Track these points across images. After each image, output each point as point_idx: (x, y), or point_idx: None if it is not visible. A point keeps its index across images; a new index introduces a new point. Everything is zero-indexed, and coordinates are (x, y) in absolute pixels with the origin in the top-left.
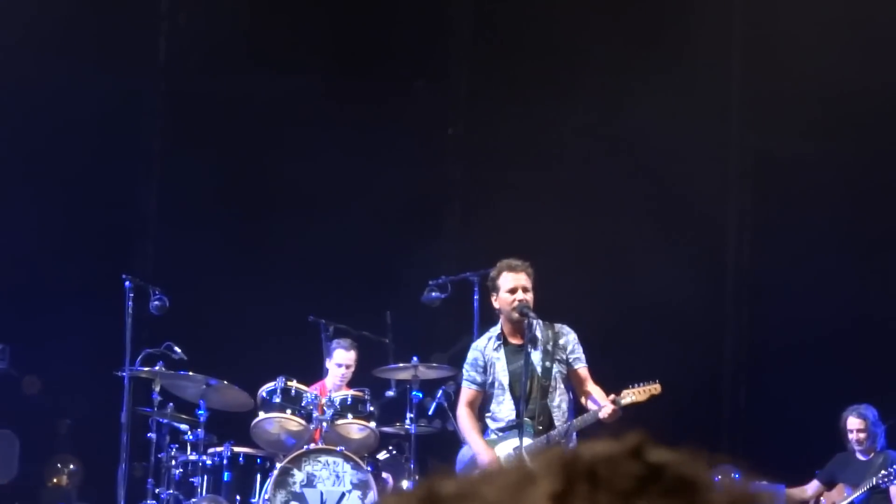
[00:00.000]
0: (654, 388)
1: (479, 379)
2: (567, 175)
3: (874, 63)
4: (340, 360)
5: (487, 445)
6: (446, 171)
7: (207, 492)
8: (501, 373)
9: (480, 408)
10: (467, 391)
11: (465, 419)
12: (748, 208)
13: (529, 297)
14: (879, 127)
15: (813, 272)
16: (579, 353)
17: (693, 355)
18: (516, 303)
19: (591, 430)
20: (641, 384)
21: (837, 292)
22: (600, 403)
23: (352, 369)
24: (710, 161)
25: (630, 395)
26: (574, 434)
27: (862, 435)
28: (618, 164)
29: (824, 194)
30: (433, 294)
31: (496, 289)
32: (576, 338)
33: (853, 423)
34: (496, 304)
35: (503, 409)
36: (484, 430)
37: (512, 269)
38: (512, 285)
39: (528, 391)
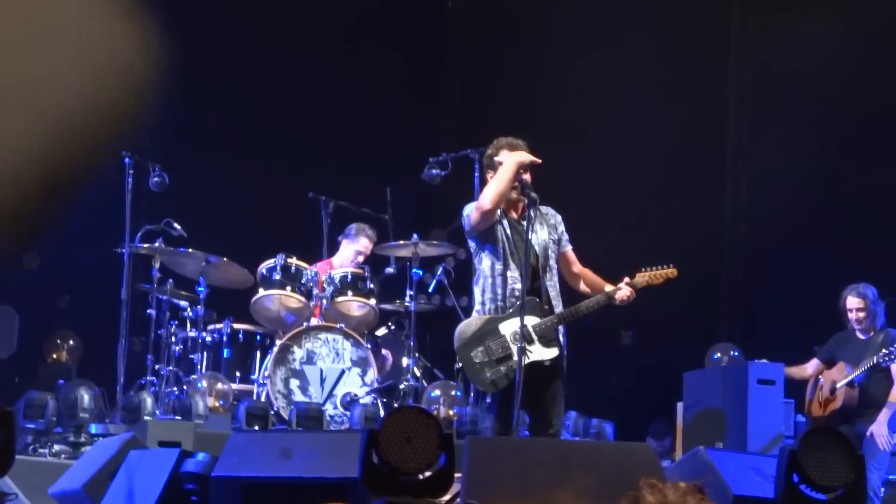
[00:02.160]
0: (671, 271)
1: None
2: (569, 51)
3: None
4: (362, 247)
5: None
6: (446, 45)
7: (207, 368)
8: (499, 242)
9: (482, 290)
10: None
11: None
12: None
13: (528, 176)
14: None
15: (814, 152)
16: (566, 235)
17: (692, 233)
18: (517, 182)
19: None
20: (657, 267)
21: (839, 175)
22: (605, 287)
23: (364, 255)
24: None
25: (646, 279)
26: (589, 313)
27: (861, 314)
28: (617, 36)
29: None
30: (433, 171)
31: (494, 166)
32: (562, 219)
33: (852, 301)
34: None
35: (503, 281)
36: (486, 310)
37: (512, 147)
38: (522, 150)
39: (532, 269)
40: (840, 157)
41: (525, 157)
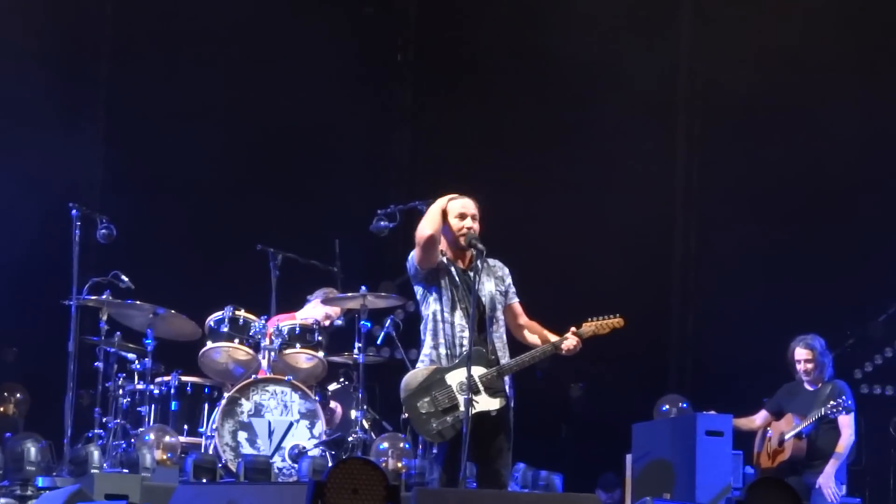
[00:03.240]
0: (617, 321)
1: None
2: (517, 102)
3: None
4: (336, 314)
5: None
6: (395, 97)
7: (155, 421)
8: (445, 288)
9: (430, 334)
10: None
11: None
12: (696, 134)
13: (477, 226)
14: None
15: (760, 204)
16: (513, 288)
17: (641, 284)
18: (465, 230)
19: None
20: (603, 317)
21: (785, 225)
22: (550, 337)
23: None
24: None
25: (592, 328)
26: (531, 364)
27: (810, 365)
28: (565, 92)
29: (771, 125)
30: (381, 223)
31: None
32: (509, 272)
33: (801, 353)
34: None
35: (451, 328)
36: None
37: (457, 196)
38: (461, 211)
39: (479, 320)
40: (788, 209)
41: (454, 197)
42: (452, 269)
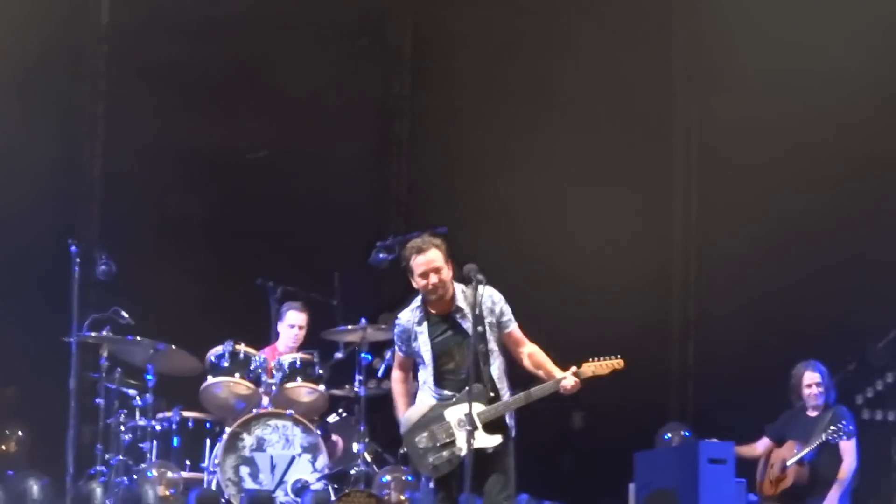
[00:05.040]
0: (617, 363)
1: (404, 348)
2: (514, 130)
3: None
4: (293, 321)
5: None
6: (392, 128)
7: (157, 457)
8: (424, 346)
9: (424, 379)
10: (398, 356)
11: (394, 384)
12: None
13: (443, 274)
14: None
15: (758, 233)
16: (508, 314)
17: (641, 316)
18: (429, 287)
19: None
20: (604, 358)
21: (784, 258)
22: (555, 373)
23: (304, 331)
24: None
25: (592, 369)
26: (530, 402)
27: (819, 388)
28: (563, 120)
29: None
30: (380, 255)
31: (410, 271)
32: (502, 298)
33: (810, 376)
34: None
35: (427, 391)
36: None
37: (420, 251)
38: (422, 269)
39: (472, 361)
40: (787, 238)
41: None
42: (425, 327)
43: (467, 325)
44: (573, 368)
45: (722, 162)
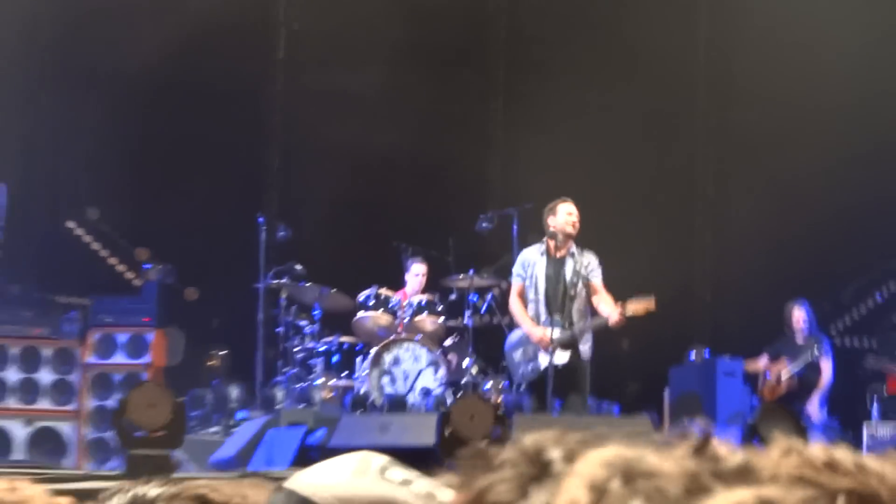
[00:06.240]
0: (650, 304)
1: (523, 275)
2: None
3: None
4: (417, 271)
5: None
6: (490, 135)
7: (322, 370)
8: (540, 275)
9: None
10: (516, 284)
11: (516, 306)
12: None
13: (574, 227)
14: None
15: (769, 192)
16: (598, 272)
17: (673, 267)
18: (571, 222)
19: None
20: (641, 298)
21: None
22: (607, 312)
23: (425, 278)
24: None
25: (632, 308)
26: (590, 331)
27: (805, 322)
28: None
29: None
30: (483, 224)
31: (555, 212)
32: (598, 262)
33: (799, 313)
34: (552, 225)
35: (531, 307)
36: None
37: (564, 201)
38: (569, 210)
39: (560, 295)
40: (791, 193)
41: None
42: (545, 261)
43: (571, 268)
44: (619, 307)
45: (736, 128)
